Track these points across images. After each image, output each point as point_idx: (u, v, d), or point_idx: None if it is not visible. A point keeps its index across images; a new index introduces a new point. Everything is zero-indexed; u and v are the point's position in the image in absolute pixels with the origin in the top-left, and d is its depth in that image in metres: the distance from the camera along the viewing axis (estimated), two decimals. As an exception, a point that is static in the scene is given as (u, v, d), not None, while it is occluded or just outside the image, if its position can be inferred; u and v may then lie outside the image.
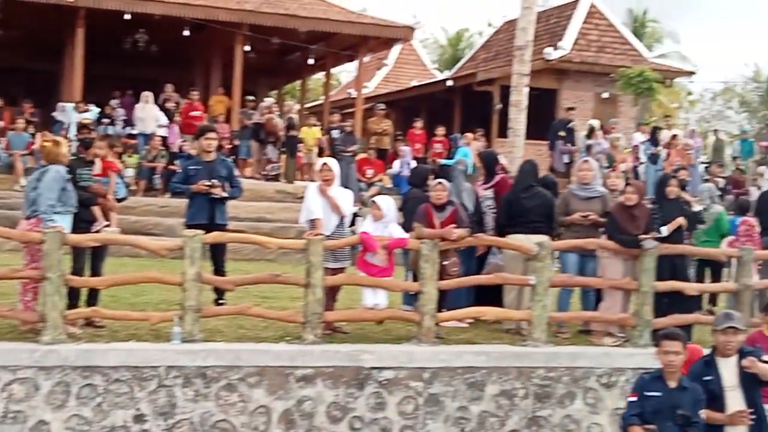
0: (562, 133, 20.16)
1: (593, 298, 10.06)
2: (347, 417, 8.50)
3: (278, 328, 9.04)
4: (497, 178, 10.74)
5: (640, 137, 21.06)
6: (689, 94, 44.46)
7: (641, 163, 20.21)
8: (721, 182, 18.83)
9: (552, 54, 25.11)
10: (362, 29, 22.59)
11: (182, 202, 10.53)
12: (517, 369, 8.95)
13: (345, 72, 40.24)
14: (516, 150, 19.16)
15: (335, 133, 19.00)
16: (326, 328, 8.99)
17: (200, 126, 11.93)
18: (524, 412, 8.93)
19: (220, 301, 9.49)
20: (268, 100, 21.89)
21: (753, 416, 6.78)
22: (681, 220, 10.15)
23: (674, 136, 20.64)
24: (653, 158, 20.03)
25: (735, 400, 6.89)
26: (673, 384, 6.60)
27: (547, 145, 21.14)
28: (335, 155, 16.39)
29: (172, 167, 17.12)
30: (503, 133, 21.52)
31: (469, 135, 19.03)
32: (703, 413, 6.72)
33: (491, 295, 9.93)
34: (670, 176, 10.90)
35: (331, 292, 9.18)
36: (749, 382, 6.93)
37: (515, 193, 10.10)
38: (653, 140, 20.82)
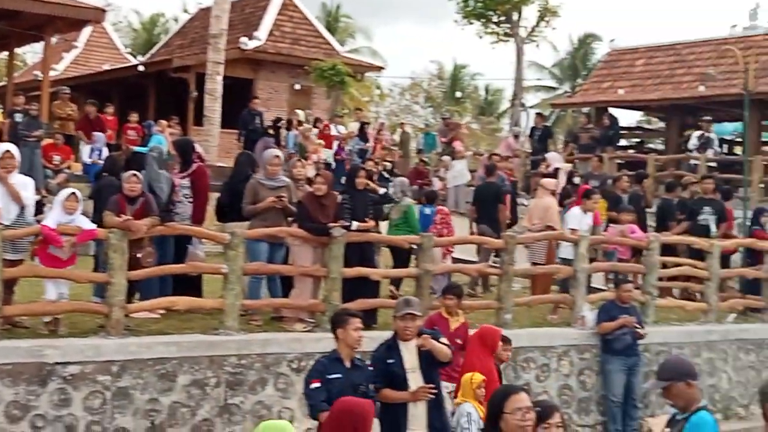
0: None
1: (279, 285, 10.26)
2: (28, 415, 8.07)
3: (-50, 325, 8.42)
4: (194, 166, 10.66)
5: (333, 130, 21.66)
6: (378, 88, 46.34)
7: (345, 158, 20.76)
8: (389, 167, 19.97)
9: (247, 44, 25.23)
10: (49, 8, 21.35)
11: None
12: (208, 358, 8.94)
13: (31, 53, 38.03)
14: (211, 138, 19.12)
15: (18, 117, 17.89)
16: (5, 323, 8.50)
17: None
18: (216, 401, 8.94)
19: None
20: (-58, 80, 20.23)
21: (434, 391, 7.26)
22: (371, 223, 10.62)
23: (380, 131, 21.49)
24: (362, 153, 20.72)
25: (416, 381, 7.32)
26: (348, 363, 6.91)
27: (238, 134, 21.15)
28: (18, 140, 15.46)
29: None
30: (199, 121, 21.35)
31: (163, 122, 18.66)
32: (386, 391, 7.11)
33: (191, 285, 9.89)
34: (359, 167, 11.33)
35: (9, 285, 8.68)
36: (428, 363, 7.39)
37: (233, 183, 10.48)
38: (362, 135, 21.54)
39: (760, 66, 20.10)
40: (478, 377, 7.72)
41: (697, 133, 21.18)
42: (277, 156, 10.66)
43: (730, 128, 25.36)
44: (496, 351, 8.35)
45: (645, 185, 15.87)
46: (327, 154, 19.95)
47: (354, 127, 22.68)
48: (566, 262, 11.89)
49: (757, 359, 12.90)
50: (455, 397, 7.99)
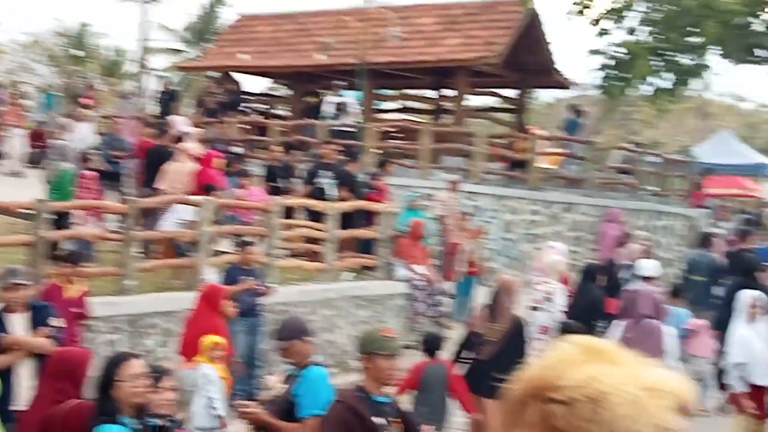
0: None
1: None
2: None
3: None
4: None
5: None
6: (-6, 44, 43.19)
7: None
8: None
9: None
10: None
11: None
12: None
13: None
14: None
15: None
16: None
17: None
18: None
19: None
20: None
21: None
22: None
23: (14, 95, 20.04)
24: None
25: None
26: None
27: None
28: None
29: None
30: None
31: None
32: None
33: None
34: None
35: None
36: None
37: None
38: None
39: (376, 38, 21.26)
40: (212, 339, 7.89)
41: (333, 99, 21.84)
42: None
43: (350, 96, 26.59)
44: (220, 308, 8.80)
45: (293, 155, 16.53)
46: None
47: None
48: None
49: (370, 314, 13.77)
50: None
